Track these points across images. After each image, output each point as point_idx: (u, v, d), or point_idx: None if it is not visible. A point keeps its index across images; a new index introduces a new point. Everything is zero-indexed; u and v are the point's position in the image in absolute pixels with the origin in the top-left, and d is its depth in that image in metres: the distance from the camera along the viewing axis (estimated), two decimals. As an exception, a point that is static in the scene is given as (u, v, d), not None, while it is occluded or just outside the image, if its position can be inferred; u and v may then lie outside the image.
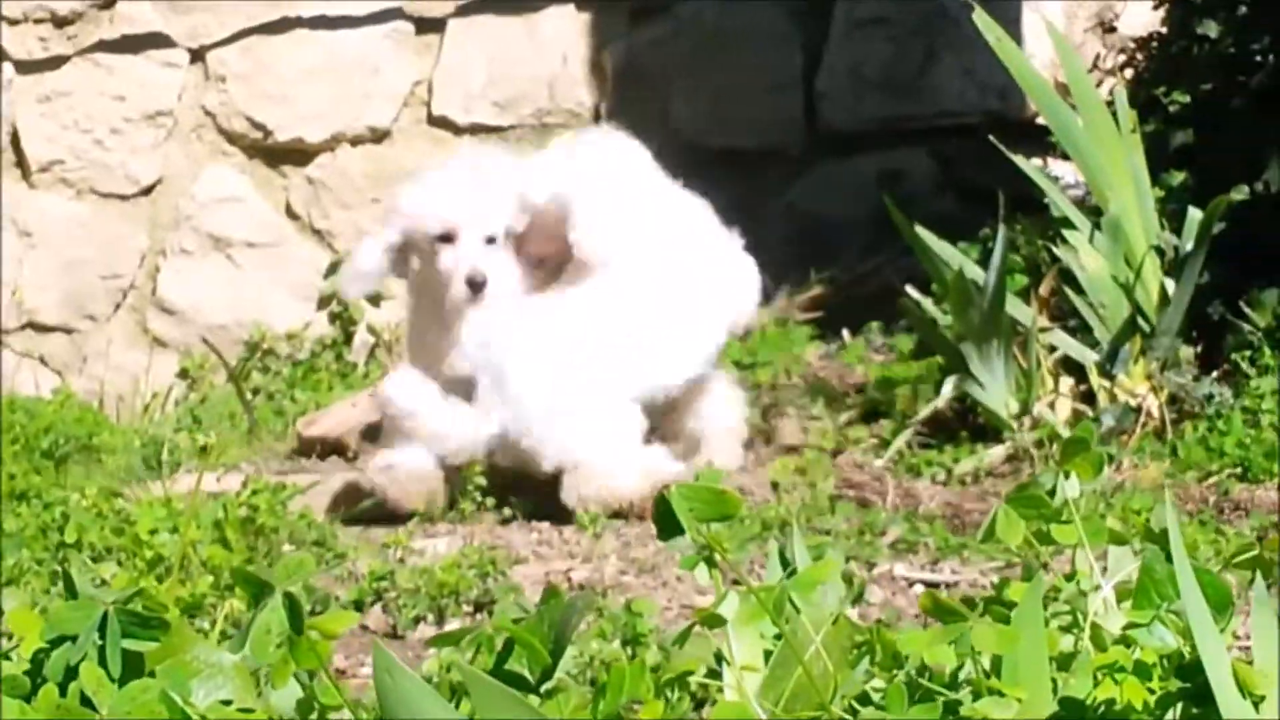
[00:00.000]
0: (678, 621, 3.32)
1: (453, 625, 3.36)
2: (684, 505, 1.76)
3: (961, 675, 2.11)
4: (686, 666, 1.94)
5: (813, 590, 2.12)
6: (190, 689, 1.74)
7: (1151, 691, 2.03)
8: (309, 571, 1.66)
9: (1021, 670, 2.02)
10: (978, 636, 1.93)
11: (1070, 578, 2.27)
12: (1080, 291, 4.60)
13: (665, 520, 1.75)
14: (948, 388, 4.46)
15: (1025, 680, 2.01)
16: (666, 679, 1.93)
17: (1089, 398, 4.50)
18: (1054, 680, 2.06)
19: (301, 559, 1.69)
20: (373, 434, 5.04)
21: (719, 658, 2.06)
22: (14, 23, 5.67)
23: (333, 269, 5.73)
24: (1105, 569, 2.27)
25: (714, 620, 1.87)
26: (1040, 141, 5.21)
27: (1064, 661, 2.10)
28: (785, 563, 2.30)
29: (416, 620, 3.35)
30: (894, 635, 2.11)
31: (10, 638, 2.16)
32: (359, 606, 3.40)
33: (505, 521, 4.14)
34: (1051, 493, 2.25)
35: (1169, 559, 2.09)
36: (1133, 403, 4.44)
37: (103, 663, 1.86)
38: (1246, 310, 4.59)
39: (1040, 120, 5.08)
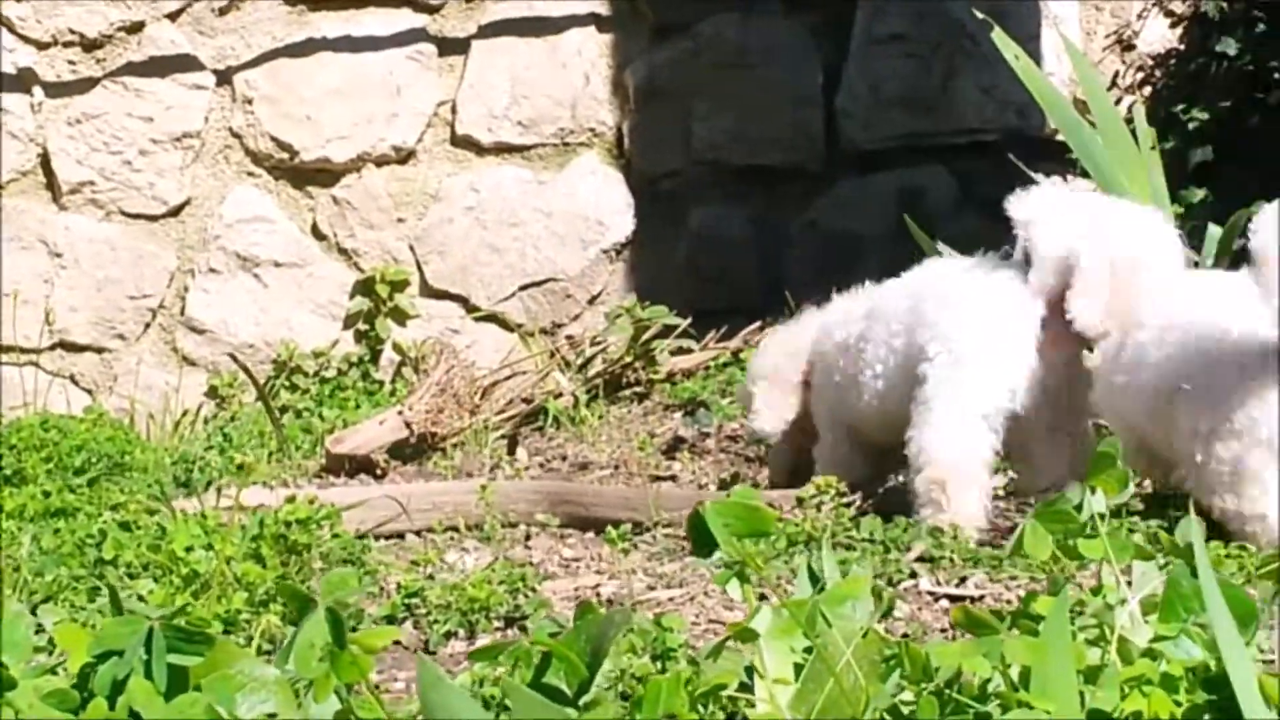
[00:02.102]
0: (706, 636, 3.35)
1: (483, 640, 3.38)
2: (718, 521, 1.80)
3: (990, 688, 2.15)
4: (721, 680, 1.97)
5: (843, 605, 2.16)
6: (235, 702, 1.78)
7: (1178, 704, 2.06)
8: (351, 588, 1.70)
9: (1050, 683, 2.05)
10: (1009, 648, 1.96)
11: (1096, 592, 2.31)
12: (1101, 308, 4.62)
13: (700, 536, 1.78)
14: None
15: (1053, 692, 2.04)
16: (701, 692, 1.96)
17: (1114, 413, 4.51)
18: (1081, 693, 2.10)
19: (344, 575, 1.73)
20: (399, 451, 5.09)
21: (750, 671, 2.10)
22: (43, 46, 5.74)
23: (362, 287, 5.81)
24: (1130, 583, 2.31)
25: (747, 634, 1.90)
26: (1060, 158, 5.24)
27: (1091, 674, 2.14)
28: (815, 578, 2.34)
29: (448, 635, 3.38)
30: (926, 648, 2.15)
31: (53, 652, 2.20)
32: (391, 622, 3.43)
33: (530, 536, 4.18)
34: (1079, 508, 2.29)
35: (1194, 574, 2.13)
36: (1153, 417, 4.45)
37: (149, 677, 1.90)
38: (1267, 325, 4.61)
39: (1060, 137, 5.12)
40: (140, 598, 3.15)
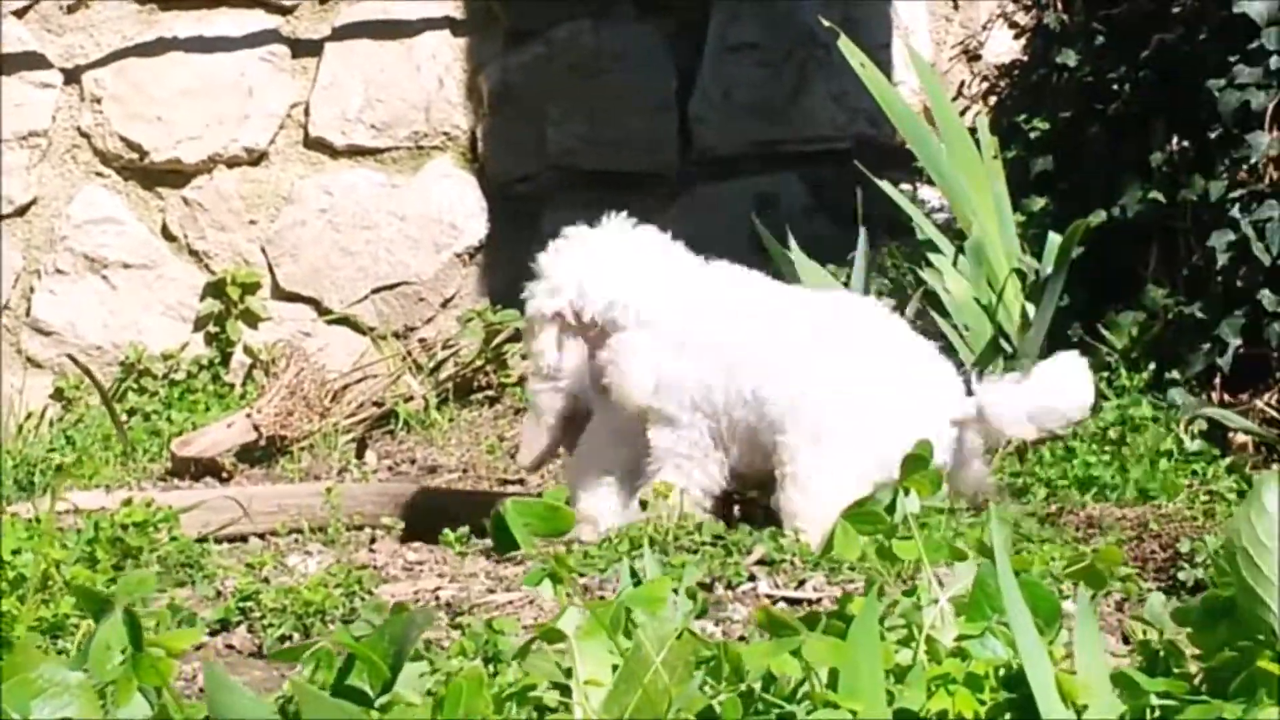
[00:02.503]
0: (542, 639, 3.37)
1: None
2: (519, 521, 1.80)
3: (804, 690, 2.17)
4: (528, 681, 1.98)
5: (658, 606, 2.17)
6: (30, 708, 1.76)
7: (982, 702, 2.09)
8: (149, 588, 1.70)
9: (857, 682, 2.08)
10: (809, 649, 1.99)
11: (911, 593, 2.34)
12: (945, 314, 4.69)
13: (500, 536, 1.79)
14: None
15: (861, 692, 2.07)
16: (507, 694, 1.97)
17: (954, 418, 4.57)
18: (890, 692, 2.13)
19: (143, 576, 1.73)
20: (247, 454, 5.06)
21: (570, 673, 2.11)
22: (-116, 43, 5.65)
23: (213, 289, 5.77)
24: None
25: (554, 635, 1.91)
26: (909, 166, 5.30)
27: (900, 674, 2.17)
28: (638, 580, 2.36)
29: (282, 639, 3.36)
30: (739, 649, 2.17)
31: None
32: (225, 626, 3.41)
33: (376, 540, 4.17)
34: (891, 509, 2.32)
35: (1009, 574, 2.16)
36: (996, 423, 4.51)
37: (-50, 680, 1.88)
38: (1104, 332, 4.69)
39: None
40: (-36, 602, 3.10)
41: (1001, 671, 2.12)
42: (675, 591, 2.36)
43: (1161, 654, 2.17)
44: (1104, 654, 2.04)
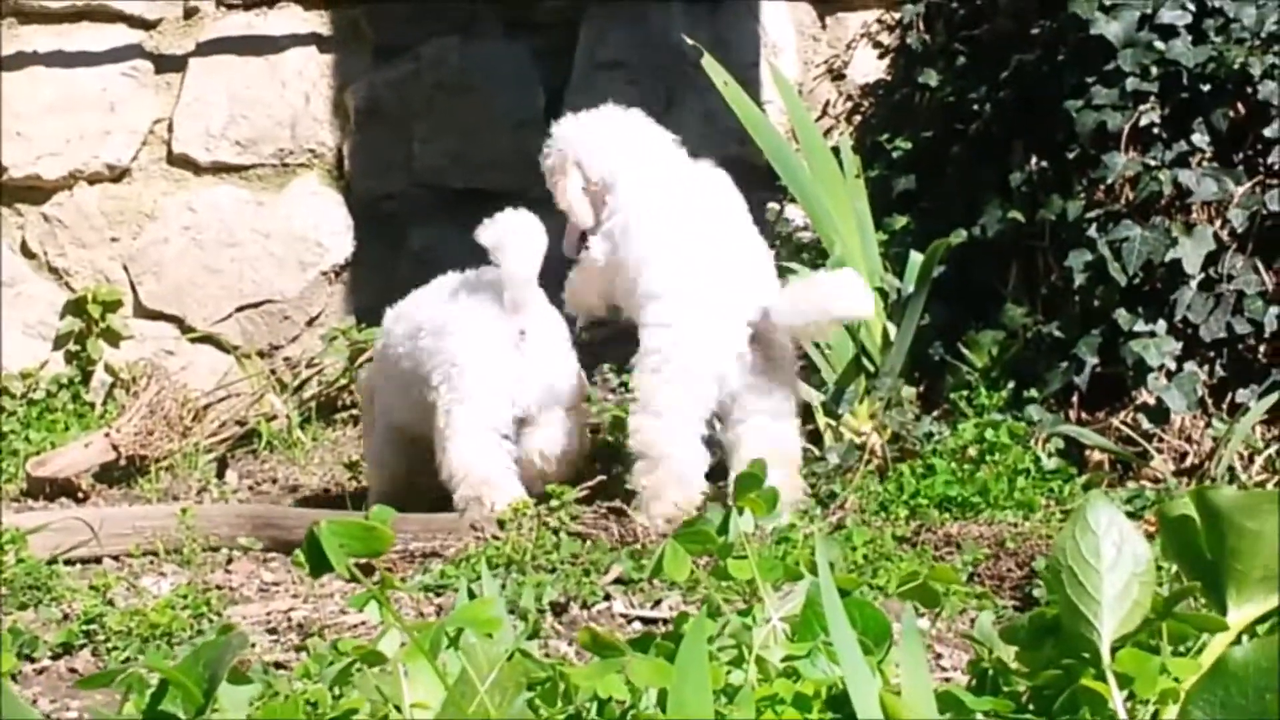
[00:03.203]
0: (391, 660, 3.33)
1: (166, 667, 3.33)
2: (334, 541, 1.78)
3: (635, 712, 2.16)
4: (352, 704, 1.95)
5: (488, 626, 2.15)
6: None
7: (810, 721, 2.09)
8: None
9: (685, 703, 2.06)
10: (634, 670, 1.97)
11: (745, 613, 2.33)
12: (806, 332, 4.68)
13: (314, 556, 1.76)
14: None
15: (688, 712, 2.05)
16: (330, 717, 1.94)
17: (815, 437, 4.58)
18: (719, 713, 2.12)
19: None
20: (107, 474, 4.99)
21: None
22: None
23: (74, 307, 5.70)
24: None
25: (374, 658, 1.89)
26: (776, 186, 5.31)
27: (732, 693, 2.16)
28: (474, 599, 2.33)
29: (126, 662, 3.32)
30: (566, 670, 2.15)
31: None
32: (68, 649, 3.36)
33: (233, 561, 4.12)
34: (724, 529, 2.31)
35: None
36: (857, 441, 4.53)
37: None
38: (964, 351, 4.72)
39: (778, 165, 5.17)
40: None
41: (830, 691, 2.12)
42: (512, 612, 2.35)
43: (990, 673, 2.18)
44: (929, 673, 2.03)
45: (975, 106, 4.84)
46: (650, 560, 3.97)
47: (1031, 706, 2.09)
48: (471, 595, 2.41)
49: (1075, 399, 4.64)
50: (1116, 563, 1.97)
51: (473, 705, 2.05)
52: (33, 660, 3.33)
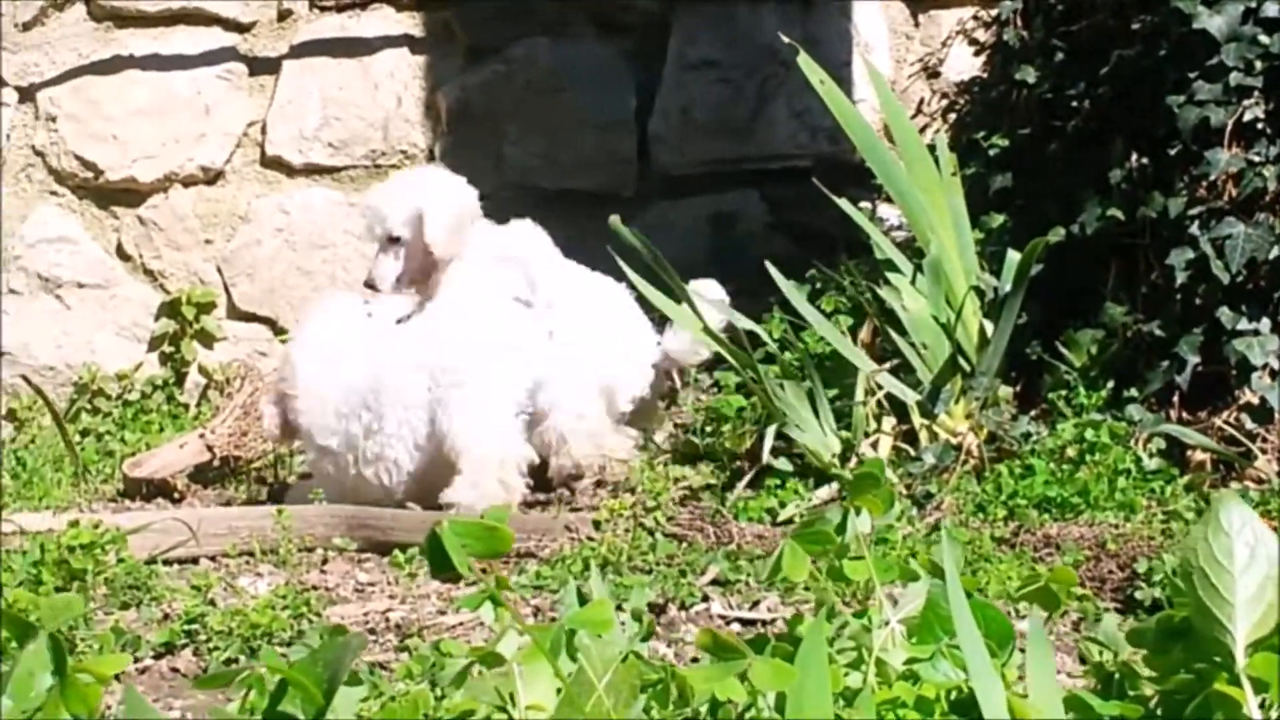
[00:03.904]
0: (493, 661, 3.32)
1: (267, 668, 3.32)
2: (456, 542, 1.76)
3: (751, 714, 2.13)
4: (467, 706, 1.94)
5: (602, 628, 2.13)
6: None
7: (932, 726, 2.06)
8: (76, 611, 1.65)
9: (804, 706, 2.03)
10: (755, 673, 1.94)
11: (861, 615, 2.30)
12: (903, 332, 4.65)
13: (437, 557, 1.75)
14: (769, 436, 4.46)
15: (807, 715, 2.02)
16: (449, 718, 1.93)
17: (911, 437, 4.54)
18: (839, 716, 2.09)
19: (69, 599, 1.68)
20: (201, 475, 5.01)
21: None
22: None
23: (168, 309, 5.73)
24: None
25: (492, 659, 1.87)
26: (869, 184, 5.27)
27: (850, 697, 2.13)
28: (584, 602, 2.31)
29: (228, 662, 3.32)
30: (682, 673, 2.13)
31: None
32: (170, 649, 3.36)
33: (328, 561, 4.12)
34: (841, 529, 2.28)
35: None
36: (953, 441, 4.49)
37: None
38: (1063, 350, 4.66)
39: (871, 163, 5.13)
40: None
41: (952, 695, 2.09)
42: (622, 611, 2.32)
43: (1116, 676, 2.14)
44: (1056, 676, 2.00)
45: (1074, 103, 4.78)
46: (751, 562, 3.96)
47: (1160, 711, 2.04)
48: (580, 597, 2.39)
49: (1176, 399, 4.58)
50: (1250, 564, 1.93)
51: (589, 705, 2.03)
52: (136, 659, 3.33)
